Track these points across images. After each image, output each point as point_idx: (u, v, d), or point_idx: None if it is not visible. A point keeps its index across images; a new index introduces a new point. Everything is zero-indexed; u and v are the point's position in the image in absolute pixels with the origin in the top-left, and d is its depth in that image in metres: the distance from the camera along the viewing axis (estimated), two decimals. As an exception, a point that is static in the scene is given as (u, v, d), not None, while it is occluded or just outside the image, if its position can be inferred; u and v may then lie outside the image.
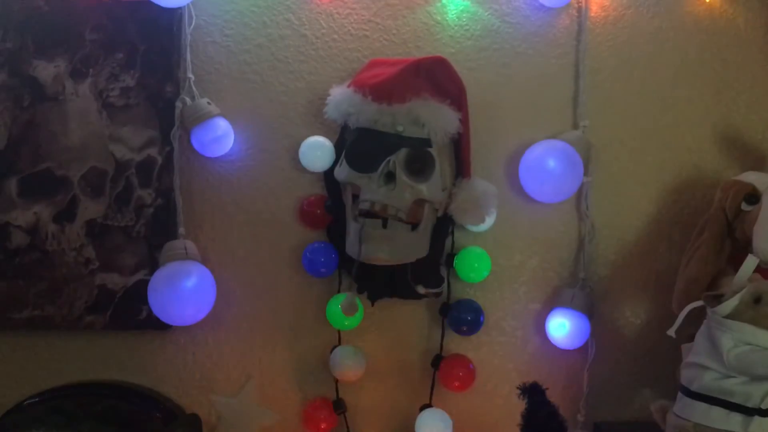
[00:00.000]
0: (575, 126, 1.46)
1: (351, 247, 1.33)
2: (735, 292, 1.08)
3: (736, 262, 1.29)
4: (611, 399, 1.49)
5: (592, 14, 1.46)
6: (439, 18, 1.46)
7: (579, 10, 1.46)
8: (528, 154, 1.41)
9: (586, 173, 1.41)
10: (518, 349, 1.49)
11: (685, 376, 1.13)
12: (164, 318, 1.35)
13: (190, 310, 1.35)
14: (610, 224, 1.48)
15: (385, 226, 1.28)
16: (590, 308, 1.42)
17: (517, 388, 1.17)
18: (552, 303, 1.46)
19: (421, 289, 1.39)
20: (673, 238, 1.48)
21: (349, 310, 1.32)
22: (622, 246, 1.49)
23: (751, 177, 1.30)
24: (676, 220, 1.48)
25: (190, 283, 1.34)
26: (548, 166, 1.38)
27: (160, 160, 1.42)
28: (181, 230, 1.42)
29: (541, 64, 1.47)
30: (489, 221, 1.40)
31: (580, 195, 1.45)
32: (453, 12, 1.46)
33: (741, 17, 1.48)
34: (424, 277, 1.39)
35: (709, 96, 1.48)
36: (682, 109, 1.48)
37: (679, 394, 1.15)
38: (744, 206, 1.26)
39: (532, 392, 1.15)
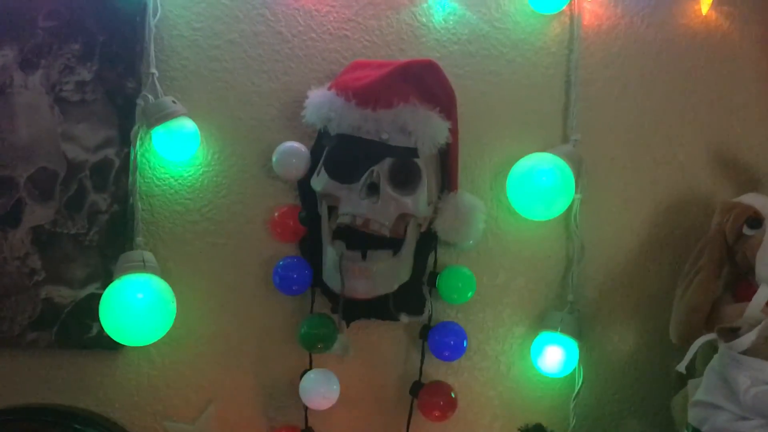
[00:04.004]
0: (565, 139, 1.40)
1: (329, 278, 1.25)
2: (752, 326, 1.00)
3: (735, 289, 1.24)
4: (598, 430, 1.41)
5: (585, 23, 1.41)
6: (424, 20, 1.39)
7: (571, 18, 1.41)
8: (517, 168, 1.34)
9: (576, 190, 1.34)
10: (501, 375, 1.41)
11: (695, 415, 1.05)
12: (117, 337, 1.23)
13: (146, 329, 1.23)
14: (599, 244, 1.41)
15: (364, 257, 1.21)
16: (578, 333, 1.34)
17: (519, 429, 1.07)
18: (538, 326, 1.38)
19: (404, 318, 1.32)
20: (664, 260, 1.43)
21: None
22: (611, 267, 1.42)
23: (753, 199, 1.24)
24: (667, 241, 1.43)
25: (147, 298, 1.22)
26: (539, 181, 1.31)
27: (117, 162, 1.31)
28: (139, 240, 1.30)
29: (530, 73, 1.41)
30: (475, 239, 1.32)
31: (569, 213, 1.38)
32: (440, 14, 1.39)
33: (737, 32, 1.45)
34: (406, 304, 1.31)
35: (704, 112, 1.44)
36: (675, 125, 1.43)
37: (688, 435, 1.07)
38: (746, 230, 1.20)
39: (535, 434, 1.06)
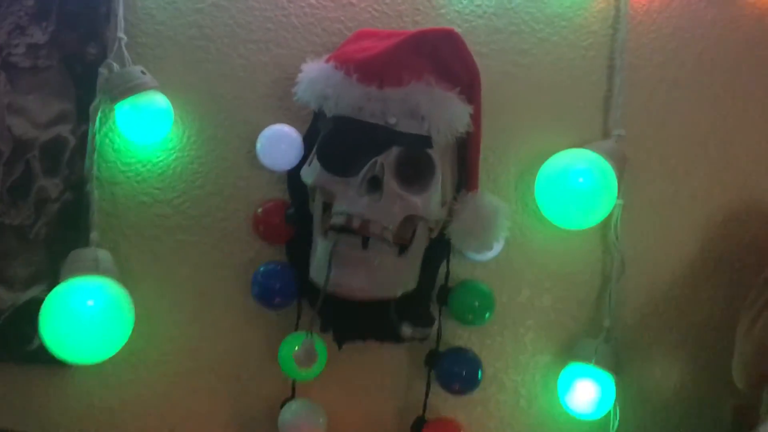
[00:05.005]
0: (606, 134, 1.22)
1: (317, 271, 1.06)
2: None
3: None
4: (635, 482, 1.22)
5: None
6: None
7: None
8: (548, 167, 1.16)
9: (618, 195, 1.15)
10: (521, 411, 1.21)
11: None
12: (60, 353, 1.04)
13: (95, 344, 1.05)
14: (643, 259, 1.22)
15: (365, 245, 1.02)
16: (616, 366, 1.14)
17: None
18: (567, 355, 1.19)
19: (406, 329, 1.11)
20: (719, 282, 1.23)
21: (306, 361, 1.04)
22: (655, 288, 1.23)
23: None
24: (723, 260, 1.23)
25: (99, 306, 1.04)
26: (573, 182, 1.13)
27: (73, 141, 1.14)
28: (94, 235, 1.12)
29: (567, 55, 1.23)
30: (496, 248, 1.14)
31: (608, 221, 1.19)
32: None
33: (813, 15, 1.24)
34: (411, 313, 1.11)
35: (771, 108, 1.25)
36: (737, 121, 1.24)
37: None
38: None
39: None
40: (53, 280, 1.10)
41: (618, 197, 1.15)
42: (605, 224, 1.19)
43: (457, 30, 1.16)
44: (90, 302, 1.04)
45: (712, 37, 1.23)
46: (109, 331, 1.05)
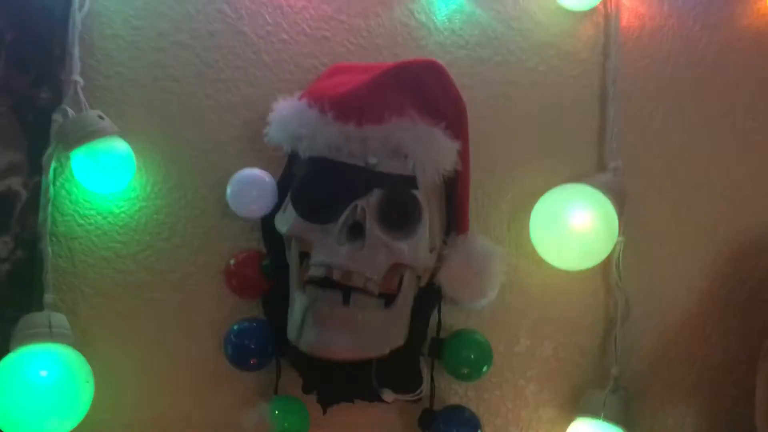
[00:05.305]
0: (602, 167, 1.14)
1: (295, 330, 0.96)
2: None
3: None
4: None
5: (624, 23, 1.17)
6: (423, 18, 1.15)
7: (606, 17, 1.17)
8: (542, 204, 1.08)
9: (619, 231, 1.07)
10: (524, 473, 1.12)
11: None
12: (10, 429, 0.93)
13: (51, 419, 0.94)
14: (648, 300, 1.13)
15: (347, 300, 0.92)
16: (626, 419, 1.04)
17: None
18: (572, 409, 1.09)
19: (387, 396, 1.01)
20: (730, 321, 1.14)
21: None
22: (663, 330, 1.14)
23: None
24: (733, 298, 1.15)
25: (53, 377, 0.94)
26: (570, 220, 1.05)
27: (24, 194, 1.05)
28: (48, 297, 1.02)
29: (557, 85, 1.16)
30: (491, 295, 1.04)
31: (609, 260, 1.11)
32: (443, 12, 1.15)
33: (812, 36, 1.19)
34: (394, 377, 1.02)
35: (775, 134, 1.18)
36: (739, 149, 1.17)
37: None
38: None
39: None
40: (3, 349, 0.99)
41: (619, 234, 1.07)
42: (606, 264, 1.11)
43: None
44: (43, 373, 0.94)
45: (707, 62, 1.17)
46: (65, 404, 0.95)
